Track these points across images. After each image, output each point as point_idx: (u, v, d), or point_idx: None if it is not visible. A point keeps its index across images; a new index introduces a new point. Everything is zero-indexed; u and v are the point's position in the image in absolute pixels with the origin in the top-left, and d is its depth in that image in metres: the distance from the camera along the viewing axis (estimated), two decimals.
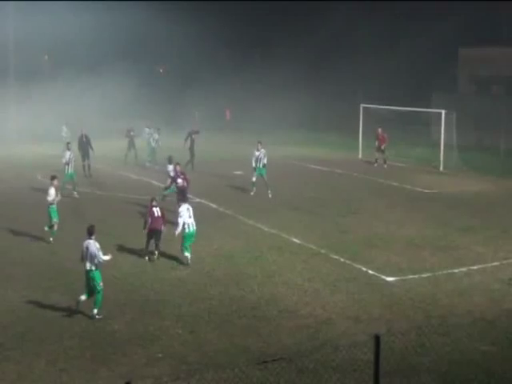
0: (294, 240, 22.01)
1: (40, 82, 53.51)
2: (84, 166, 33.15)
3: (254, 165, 28.99)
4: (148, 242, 20.16)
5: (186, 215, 19.59)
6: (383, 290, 17.44)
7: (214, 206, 26.84)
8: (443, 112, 37.38)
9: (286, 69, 55.78)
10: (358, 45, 58.49)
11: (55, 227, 21.86)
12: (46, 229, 21.94)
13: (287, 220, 24.76)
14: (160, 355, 13.68)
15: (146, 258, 19.99)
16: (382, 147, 37.50)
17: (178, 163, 25.10)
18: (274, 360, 12.33)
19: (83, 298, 15.69)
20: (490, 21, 51.24)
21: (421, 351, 13.28)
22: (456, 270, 19.04)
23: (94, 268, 15.55)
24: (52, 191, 21.84)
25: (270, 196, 28.60)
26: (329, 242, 21.77)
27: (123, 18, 52.70)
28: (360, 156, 40.73)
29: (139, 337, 14.53)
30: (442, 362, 13.17)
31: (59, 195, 22.37)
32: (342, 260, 19.93)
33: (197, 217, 23.98)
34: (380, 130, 37.86)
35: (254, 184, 28.98)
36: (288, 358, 12.83)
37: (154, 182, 30.69)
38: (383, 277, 18.46)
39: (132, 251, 20.63)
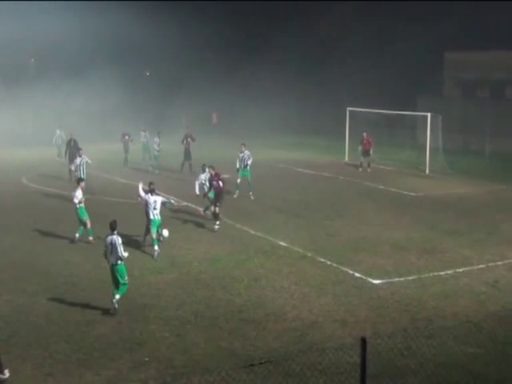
0: (281, 243, 22.03)
1: (26, 85, 53.27)
2: (70, 170, 32.89)
3: (237, 166, 29.28)
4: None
5: (151, 206, 21.10)
6: (370, 293, 17.48)
7: (200, 209, 26.80)
8: (429, 115, 37.57)
9: (273, 73, 55.84)
10: (345, 49, 58.57)
11: (89, 225, 22.01)
12: (77, 235, 22.06)
13: (274, 223, 24.79)
14: (146, 359, 13.64)
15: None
16: (371, 151, 37.59)
17: (212, 166, 24.76)
18: (261, 363, 12.32)
19: (117, 296, 16.00)
20: (476, 25, 51.50)
21: (407, 354, 13.31)
22: (442, 273, 19.12)
23: (119, 262, 15.97)
24: (78, 193, 22.24)
25: (252, 198, 28.76)
26: (315, 246, 21.81)
27: (110, 21, 52.56)
28: (346, 159, 40.84)
29: (126, 341, 14.49)
30: (428, 365, 13.20)
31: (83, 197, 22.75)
32: (328, 263, 19.96)
33: (185, 220, 24.07)
34: (365, 134, 37.97)
35: (238, 186, 29.19)
36: (275, 362, 12.83)
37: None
38: (370, 280, 18.50)
39: None
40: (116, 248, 15.95)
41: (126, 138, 37.96)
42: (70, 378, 12.90)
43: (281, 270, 19.38)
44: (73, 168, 28.81)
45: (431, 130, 37.49)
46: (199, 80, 58.50)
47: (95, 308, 16.24)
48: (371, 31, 56.52)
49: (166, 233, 21.15)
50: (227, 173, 33.65)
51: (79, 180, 23.29)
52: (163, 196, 22.62)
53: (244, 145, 29.87)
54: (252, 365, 12.22)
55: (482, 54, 48.28)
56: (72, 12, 52.61)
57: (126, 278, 16.16)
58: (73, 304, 16.51)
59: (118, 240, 16.03)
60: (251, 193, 28.99)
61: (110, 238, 16.15)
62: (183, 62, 60.67)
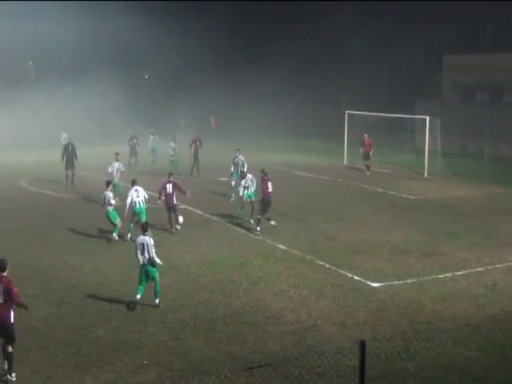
0: (280, 246, 22.03)
1: (24, 88, 53.27)
2: (67, 176, 32.47)
3: (231, 169, 29.41)
4: (169, 216, 23.59)
5: (134, 194, 22.73)
6: (368, 296, 17.48)
7: (199, 212, 26.81)
8: (428, 118, 37.59)
9: (272, 76, 55.93)
10: (344, 52, 58.67)
11: (119, 225, 22.54)
12: (115, 235, 22.48)
13: (272, 226, 24.75)
14: (145, 362, 13.63)
15: (173, 230, 23.53)
16: (371, 153, 37.60)
17: (263, 170, 24.62)
18: (260, 366, 12.31)
19: (139, 296, 16.49)
20: (474, 28, 51.59)
21: (406, 357, 13.31)
22: (441, 276, 19.13)
23: (151, 262, 16.55)
24: (111, 195, 22.79)
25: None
26: (314, 249, 21.80)
27: (109, 24, 52.61)
28: (345, 162, 40.87)
29: (124, 344, 14.48)
30: (427, 368, 13.21)
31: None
32: (327, 266, 19.97)
33: (183, 223, 24.06)
34: (366, 135, 37.99)
35: (233, 190, 29.26)
36: (274, 365, 12.83)
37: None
38: (368, 283, 18.51)
39: (117, 258, 20.58)
40: (148, 249, 16.40)
41: (134, 141, 37.83)
42: (68, 381, 12.89)
43: (280, 273, 19.38)
44: (109, 170, 28.43)
45: (430, 133, 37.52)
46: (198, 83, 58.58)
47: (94, 311, 16.24)
48: (370, 35, 56.57)
49: (181, 219, 23.14)
50: (225, 176, 33.84)
51: (109, 182, 23.55)
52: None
53: (238, 150, 30.00)
54: (251, 368, 12.22)
55: (480, 57, 48.35)
56: (71, 15, 52.62)
57: (157, 275, 16.66)
58: (72, 307, 16.52)
59: (150, 242, 16.56)
60: None
61: (141, 238, 16.66)
62: (182, 65, 60.73)
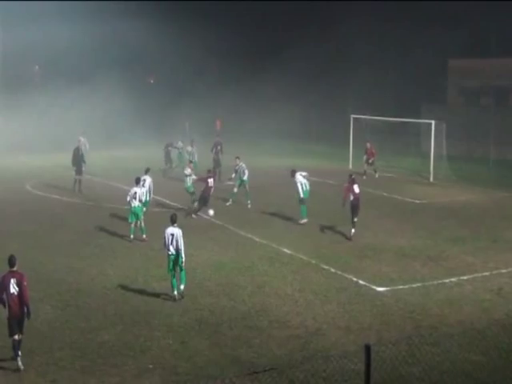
0: (285, 250, 22.02)
1: (30, 92, 53.35)
2: (75, 181, 31.98)
3: (233, 175, 29.60)
4: (200, 206, 26.01)
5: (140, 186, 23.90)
6: (374, 300, 17.45)
7: (204, 216, 26.79)
8: (433, 122, 37.54)
9: (277, 80, 55.89)
10: (350, 57, 58.65)
11: (142, 223, 23.08)
12: (144, 235, 22.90)
13: (278, 230, 24.78)
14: (150, 366, 13.63)
15: (193, 216, 26.00)
16: (370, 161, 37.68)
17: (350, 175, 24.73)
18: (265, 371, 12.29)
19: (177, 291, 17.21)
20: (479, 32, 51.50)
21: (411, 361, 13.26)
22: (446, 280, 19.09)
23: (178, 252, 17.12)
24: (137, 191, 23.33)
25: (249, 206, 28.83)
26: (319, 253, 21.79)
27: (115, 28, 52.71)
28: (350, 166, 40.82)
29: (129, 348, 14.47)
30: (433, 372, 13.17)
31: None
32: (332, 270, 19.95)
33: (188, 227, 24.04)
34: (368, 144, 38.05)
35: (233, 195, 29.41)
36: (279, 369, 12.80)
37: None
38: (374, 287, 18.48)
39: (122, 262, 20.59)
40: (177, 240, 17.02)
41: (169, 148, 37.60)
42: None
43: (285, 277, 19.37)
44: (191, 179, 27.66)
45: (435, 138, 37.47)
46: (203, 87, 58.59)
47: (99, 315, 16.24)
48: (376, 40, 56.61)
49: (211, 212, 24.96)
50: (231, 179, 33.83)
51: (138, 179, 23.90)
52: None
53: (238, 158, 29.97)
54: (256, 372, 12.19)
55: (485, 62, 48.25)
56: (76, 19, 52.73)
57: (184, 264, 17.24)
58: (77, 311, 16.53)
59: (179, 233, 17.14)
60: (249, 201, 28.95)
61: (170, 229, 17.26)
62: (187, 69, 60.78)
